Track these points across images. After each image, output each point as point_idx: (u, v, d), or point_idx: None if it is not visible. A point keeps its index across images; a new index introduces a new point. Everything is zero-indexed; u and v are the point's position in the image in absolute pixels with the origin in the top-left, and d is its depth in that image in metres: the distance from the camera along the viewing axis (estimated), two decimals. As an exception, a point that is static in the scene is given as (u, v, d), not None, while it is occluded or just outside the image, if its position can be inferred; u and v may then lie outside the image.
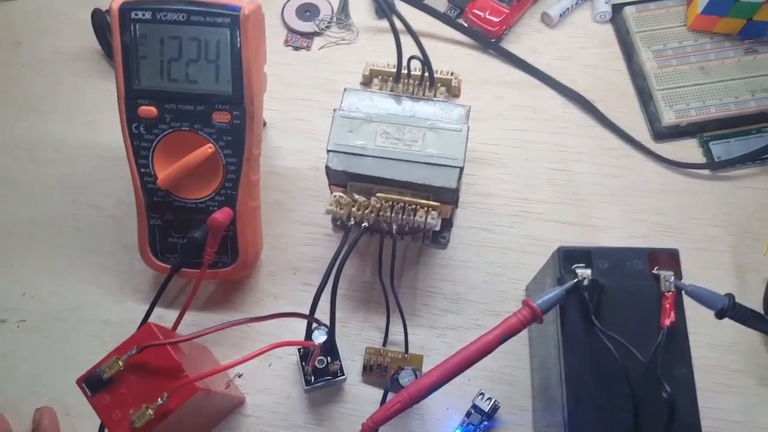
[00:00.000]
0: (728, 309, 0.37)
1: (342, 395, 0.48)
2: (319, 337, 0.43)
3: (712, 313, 0.47)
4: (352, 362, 0.49)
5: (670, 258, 0.39)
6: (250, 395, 0.48)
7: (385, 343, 0.49)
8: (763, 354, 0.48)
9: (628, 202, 0.54)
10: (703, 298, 0.37)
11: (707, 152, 0.55)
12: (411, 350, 0.49)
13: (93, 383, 0.36)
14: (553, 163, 0.56)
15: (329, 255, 0.46)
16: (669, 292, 0.38)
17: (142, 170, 0.47)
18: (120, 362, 0.36)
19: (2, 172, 0.57)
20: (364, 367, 0.49)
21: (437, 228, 0.46)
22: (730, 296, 0.37)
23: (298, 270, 0.53)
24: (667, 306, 0.37)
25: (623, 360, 0.35)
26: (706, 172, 0.55)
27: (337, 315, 0.50)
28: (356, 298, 0.52)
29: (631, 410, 0.35)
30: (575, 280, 0.38)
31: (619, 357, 0.35)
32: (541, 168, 0.56)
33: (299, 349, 0.48)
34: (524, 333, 0.49)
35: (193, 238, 0.46)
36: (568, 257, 0.40)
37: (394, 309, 0.49)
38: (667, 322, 0.37)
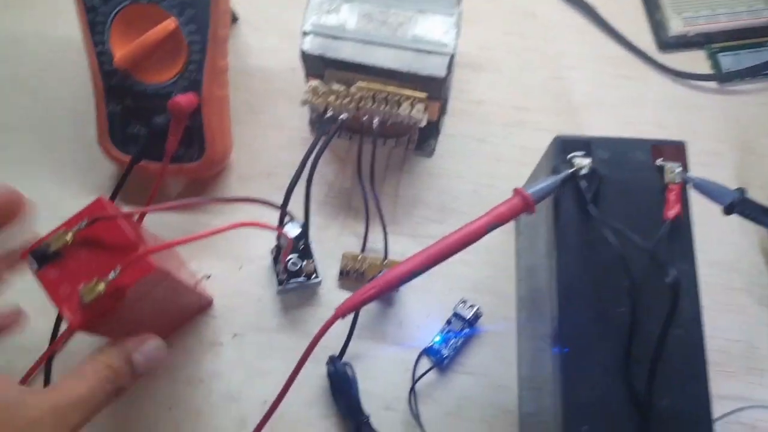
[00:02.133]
0: (738, 203, 0.34)
1: (316, 299, 0.45)
2: (293, 230, 0.40)
3: (713, 229, 0.45)
4: (328, 268, 0.46)
5: (676, 150, 0.36)
6: (219, 297, 0.45)
7: (363, 249, 0.46)
8: (764, 274, 0.46)
9: (628, 113, 0.51)
10: (711, 191, 0.34)
11: (715, 64, 0.52)
12: (390, 257, 0.46)
13: (38, 256, 0.32)
14: (551, 70, 0.52)
15: (307, 160, 0.42)
16: (674, 183, 0.35)
17: (98, 49, 0.42)
18: (68, 235, 0.32)
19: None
20: (341, 272, 0.46)
21: (422, 123, 0.43)
22: (742, 190, 0.34)
23: (272, 175, 0.49)
24: (672, 198, 0.34)
25: (622, 249, 0.32)
26: (713, 84, 0.52)
27: (314, 221, 0.47)
28: (335, 204, 0.48)
29: (629, 305, 0.32)
30: (572, 170, 0.35)
31: (620, 248, 0.32)
32: (537, 75, 0.52)
33: (272, 252, 0.44)
34: (510, 244, 0.47)
35: (154, 123, 0.42)
36: (565, 146, 0.36)
37: (374, 216, 0.46)
38: (671, 213, 0.34)
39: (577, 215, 0.35)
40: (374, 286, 0.33)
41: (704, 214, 0.43)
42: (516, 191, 0.34)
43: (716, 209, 0.47)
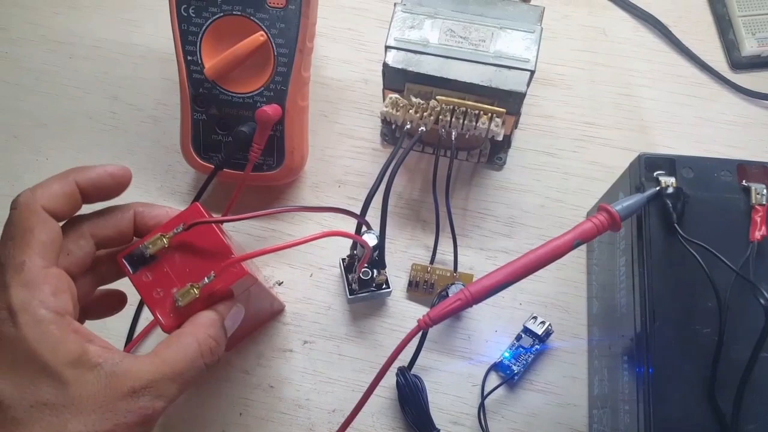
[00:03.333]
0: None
1: (385, 310, 0.46)
2: (370, 240, 0.41)
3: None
4: (397, 278, 0.47)
5: (762, 171, 0.36)
6: (290, 304, 0.46)
7: (432, 261, 0.47)
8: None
9: (700, 133, 0.50)
10: (799, 213, 0.34)
11: (790, 84, 0.51)
12: (459, 270, 0.46)
13: (134, 260, 0.33)
14: (621, 87, 0.52)
15: (376, 170, 0.43)
16: (760, 205, 0.34)
17: (189, 58, 0.44)
18: (164, 239, 0.33)
19: (38, 65, 0.54)
20: (410, 283, 0.46)
21: (500, 138, 0.43)
22: (830, 213, 0.34)
23: (343, 183, 0.50)
24: (758, 219, 0.34)
25: (708, 269, 0.32)
26: (787, 104, 0.51)
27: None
28: (404, 215, 0.49)
29: (715, 326, 0.32)
30: (657, 188, 0.35)
31: (706, 268, 0.32)
32: (608, 92, 0.52)
33: (343, 260, 0.45)
34: (582, 261, 0.47)
35: (240, 132, 0.43)
36: (649, 164, 0.36)
37: (443, 228, 0.47)
38: (758, 235, 0.34)
39: (662, 234, 0.35)
40: (459, 299, 0.33)
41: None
42: (602, 207, 0.34)
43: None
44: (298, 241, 0.34)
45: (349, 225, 0.44)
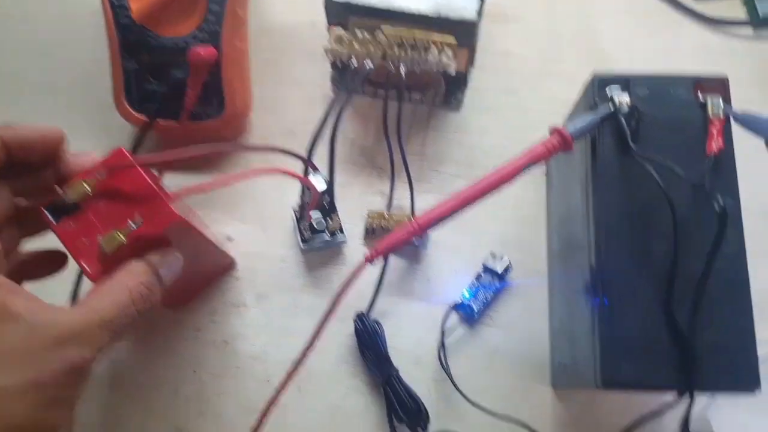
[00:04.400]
0: (784, 135, 0.32)
1: (341, 259, 0.44)
2: (317, 182, 0.39)
3: (760, 173, 0.43)
4: (353, 227, 0.45)
5: (719, 85, 0.35)
6: (242, 259, 0.44)
7: (389, 207, 0.45)
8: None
9: (662, 62, 0.49)
10: (755, 124, 0.33)
11: (751, 10, 0.50)
12: (417, 215, 0.44)
13: (56, 209, 0.31)
14: (581, 20, 0.50)
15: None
16: (717, 117, 0.33)
17: (115, 1, 0.41)
18: (86, 185, 0.31)
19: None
20: (366, 231, 0.44)
21: (452, 71, 0.41)
22: (788, 122, 0.32)
23: (294, 134, 0.48)
24: (715, 132, 0.33)
25: (664, 184, 0.31)
26: (749, 30, 0.49)
27: (337, 180, 0.46)
28: (358, 163, 0.47)
29: (671, 241, 0.31)
30: (611, 107, 0.34)
31: (660, 182, 0.31)
32: (567, 25, 0.50)
33: (294, 212, 0.43)
34: (542, 197, 0.45)
35: (173, 76, 0.41)
36: (603, 84, 0.35)
37: (400, 173, 0.45)
38: (714, 147, 0.32)
39: (616, 154, 0.33)
40: (405, 229, 0.32)
41: (751, 164, 0.41)
42: (554, 129, 0.33)
43: (764, 160, 0.45)
44: (231, 176, 0.32)
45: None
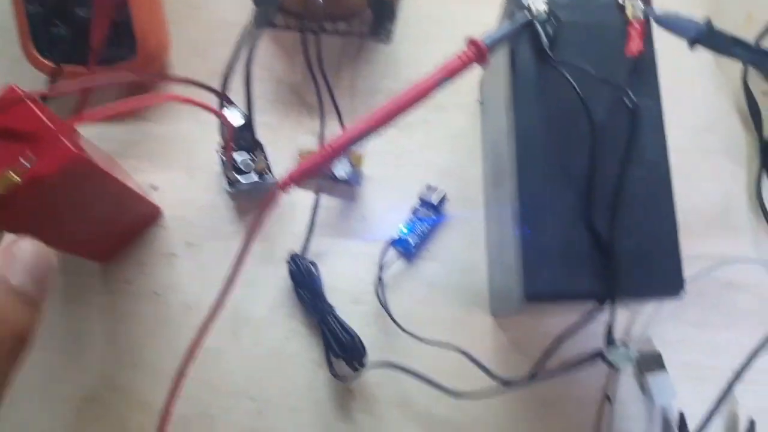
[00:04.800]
0: (704, 34, 0.31)
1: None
2: (233, 116, 0.37)
3: (689, 94, 0.43)
4: (285, 168, 0.43)
5: (637, -13, 0.33)
6: (169, 208, 0.43)
7: (321, 145, 0.43)
8: (740, 134, 0.44)
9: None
10: (675, 24, 0.32)
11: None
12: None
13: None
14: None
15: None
16: (636, 19, 0.32)
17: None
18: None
19: None
20: (297, 170, 0.43)
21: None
22: (707, 20, 0.31)
23: (218, 75, 0.45)
24: (634, 34, 0.32)
25: (582, 91, 0.30)
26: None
27: (265, 121, 0.44)
28: (287, 101, 0.45)
29: (589, 148, 0.30)
30: (526, 14, 0.32)
31: (576, 87, 0.30)
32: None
33: (219, 154, 0.41)
34: (476, 127, 0.44)
35: (76, 18, 0.38)
36: (519, -8, 0.33)
37: (330, 111, 0.43)
38: (634, 49, 0.31)
39: (535, 64, 0.32)
40: (319, 153, 0.30)
41: (681, 80, 0.40)
42: (469, 40, 0.31)
43: (689, 71, 0.44)
44: (129, 102, 0.30)
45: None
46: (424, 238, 0.41)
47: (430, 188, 0.41)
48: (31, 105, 0.30)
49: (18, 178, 0.29)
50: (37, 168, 0.29)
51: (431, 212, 0.41)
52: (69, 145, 0.29)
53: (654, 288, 0.30)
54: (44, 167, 0.29)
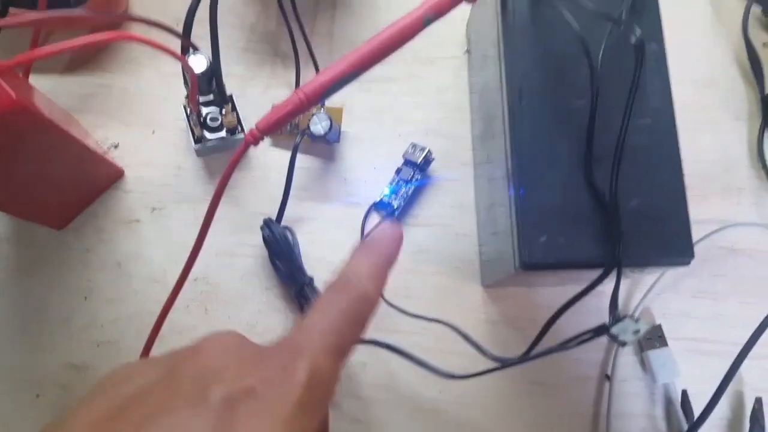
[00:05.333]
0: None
1: (246, 161, 0.39)
2: (197, 63, 0.33)
3: (688, 47, 0.40)
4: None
5: None
6: (131, 168, 0.39)
7: (295, 100, 0.40)
8: (740, 88, 0.41)
9: None
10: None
11: None
12: (327, 104, 0.39)
13: None
14: None
15: None
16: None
17: None
18: None
19: None
20: (271, 128, 0.39)
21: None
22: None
23: (182, 20, 0.41)
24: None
25: (580, 30, 0.26)
26: None
27: (237, 72, 0.41)
28: (260, 51, 0.41)
29: (589, 94, 0.27)
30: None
31: (575, 24, 0.26)
32: None
33: (185, 108, 0.38)
34: (465, 82, 0.41)
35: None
36: None
37: (307, 60, 0.39)
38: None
39: (527, 2, 0.29)
40: (291, 101, 0.27)
41: (679, 33, 0.37)
42: (457, -27, 0.28)
43: (687, 22, 0.41)
44: (85, 39, 0.26)
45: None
46: (409, 201, 0.38)
47: (414, 146, 0.38)
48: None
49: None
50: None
51: (416, 172, 0.38)
52: (9, 90, 0.26)
53: (662, 255, 0.27)
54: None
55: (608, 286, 0.26)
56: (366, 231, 0.38)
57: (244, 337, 0.20)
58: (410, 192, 0.38)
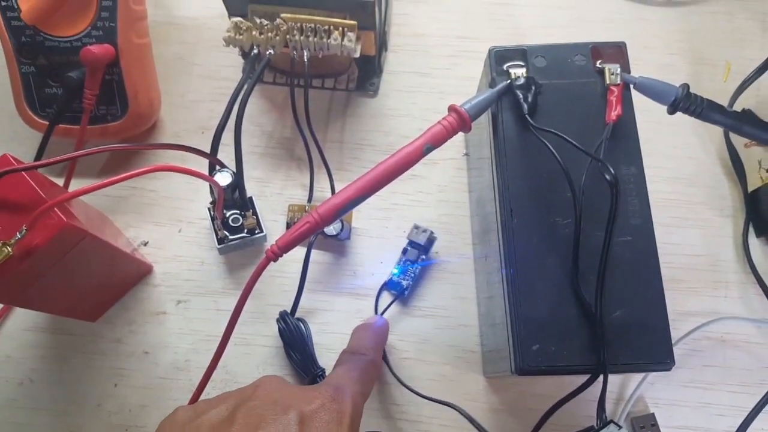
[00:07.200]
0: (681, 100, 0.32)
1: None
2: (223, 179, 0.37)
3: (671, 148, 0.43)
4: (275, 222, 0.44)
5: (617, 51, 0.34)
6: (159, 264, 0.43)
7: (310, 199, 0.44)
8: (724, 185, 0.44)
9: (576, 35, 0.48)
10: (653, 89, 0.32)
11: (663, -24, 0.50)
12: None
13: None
14: (494, -3, 0.49)
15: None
16: (615, 85, 0.33)
17: (3, 3, 0.39)
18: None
19: None
20: (288, 226, 0.43)
21: (356, 54, 0.40)
22: (685, 85, 0.32)
23: (208, 129, 0.46)
24: (613, 99, 0.32)
25: (562, 159, 0.30)
26: (662, -3, 0.49)
27: (255, 175, 0.45)
28: (276, 156, 0.46)
29: (573, 215, 0.30)
30: (507, 81, 0.33)
31: (558, 156, 0.30)
32: (482, 3, 0.49)
33: (210, 210, 0.42)
34: (464, 181, 0.45)
35: (68, 78, 0.39)
36: (501, 58, 0.34)
37: (319, 164, 0.44)
38: (613, 115, 0.32)
39: (516, 129, 0.33)
40: (308, 221, 0.31)
41: (659, 132, 0.40)
42: (451, 108, 0.32)
43: (671, 126, 0.45)
44: (120, 177, 0.31)
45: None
46: (416, 280, 0.41)
47: (417, 228, 0.42)
48: (26, 176, 0.30)
49: (10, 250, 0.29)
50: (29, 239, 0.29)
51: (421, 252, 0.41)
52: (61, 215, 0.30)
53: (644, 361, 0.29)
54: (35, 238, 0.29)
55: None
56: (378, 308, 0.41)
57: (284, 378, 0.30)
58: (417, 272, 0.41)
